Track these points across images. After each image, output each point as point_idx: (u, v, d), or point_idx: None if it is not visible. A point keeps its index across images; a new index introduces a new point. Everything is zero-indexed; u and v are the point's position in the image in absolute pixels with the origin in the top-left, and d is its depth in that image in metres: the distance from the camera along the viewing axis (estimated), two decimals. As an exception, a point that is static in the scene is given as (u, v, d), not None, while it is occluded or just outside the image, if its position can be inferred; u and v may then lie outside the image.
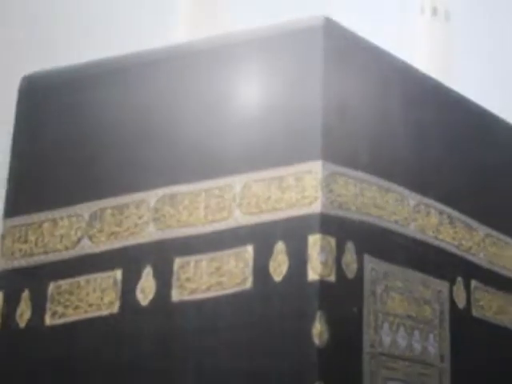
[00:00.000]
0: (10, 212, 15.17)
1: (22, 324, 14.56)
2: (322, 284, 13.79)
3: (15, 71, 16.48)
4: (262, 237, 13.98)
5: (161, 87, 14.98)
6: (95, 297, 14.44)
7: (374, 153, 15.30)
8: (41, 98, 15.63)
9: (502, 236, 18.62)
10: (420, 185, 16.28)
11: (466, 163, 17.68)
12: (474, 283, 17.52)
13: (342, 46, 14.74)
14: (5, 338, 14.68)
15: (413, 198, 16.15)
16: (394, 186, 15.73)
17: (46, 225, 14.93)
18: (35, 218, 14.98)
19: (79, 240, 14.77)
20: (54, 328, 14.40)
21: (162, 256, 14.27)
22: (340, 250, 14.21)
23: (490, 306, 18.03)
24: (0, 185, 15.72)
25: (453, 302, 16.81)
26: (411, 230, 16.05)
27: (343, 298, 14.33)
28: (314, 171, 14.15)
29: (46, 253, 14.83)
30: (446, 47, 60.19)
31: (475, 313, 17.43)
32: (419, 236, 16.18)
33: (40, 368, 14.36)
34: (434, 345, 16.30)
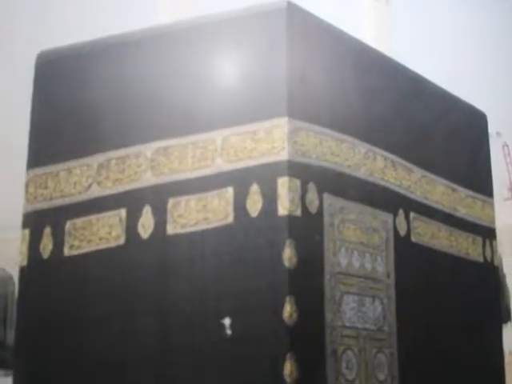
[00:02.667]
0: (31, 164, 15.04)
1: (46, 255, 14.52)
2: (290, 218, 13.80)
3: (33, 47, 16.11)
4: (239, 180, 13.93)
5: (152, 60, 14.81)
6: (104, 232, 14.38)
7: (330, 111, 15.31)
8: (54, 70, 15.40)
9: (434, 176, 18.73)
10: (368, 136, 16.27)
11: (405, 119, 17.69)
12: (412, 215, 17.58)
13: (302, 25, 14.63)
14: (31, 267, 14.65)
15: (363, 147, 16.12)
16: (347, 138, 15.71)
17: (62, 173, 14.79)
18: (53, 168, 14.89)
19: (90, 185, 14.65)
20: (71, 258, 14.39)
21: (158, 197, 14.20)
22: (304, 190, 14.21)
23: (426, 232, 18.14)
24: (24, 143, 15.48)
25: (396, 230, 16.88)
26: (361, 172, 16.03)
27: (308, 229, 14.35)
28: (281, 126, 14.07)
29: (62, 197, 14.74)
30: (388, 25, 60.10)
31: (414, 239, 17.52)
32: (368, 177, 16.18)
33: (60, 291, 14.31)
34: (382, 265, 16.37)
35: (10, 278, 21.91)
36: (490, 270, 21.29)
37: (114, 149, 14.60)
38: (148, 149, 14.49)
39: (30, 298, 14.71)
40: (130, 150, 14.59)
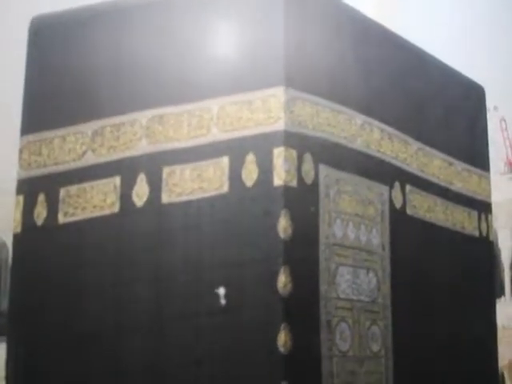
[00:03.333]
0: (25, 130, 14.93)
1: (40, 222, 14.46)
2: (286, 188, 13.78)
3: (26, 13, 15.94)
4: (235, 150, 13.85)
5: (149, 27, 14.68)
6: (99, 199, 14.32)
7: (328, 81, 15.23)
8: (48, 35, 15.27)
9: (430, 150, 18.70)
10: (365, 108, 16.22)
11: (403, 91, 17.65)
12: (408, 187, 17.60)
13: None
14: (25, 234, 14.60)
15: (359, 119, 16.09)
16: (344, 109, 15.66)
17: (56, 140, 14.72)
18: (47, 134, 14.78)
19: (84, 153, 14.58)
20: (65, 225, 14.33)
21: (152, 165, 14.14)
22: (300, 161, 14.19)
23: (421, 205, 18.17)
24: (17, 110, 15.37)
25: (391, 203, 16.89)
26: (358, 144, 16.01)
27: (303, 200, 14.33)
28: (277, 95, 13.97)
29: (56, 164, 14.67)
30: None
31: (409, 211, 17.54)
32: (364, 149, 16.16)
33: (55, 258, 14.29)
34: (377, 237, 16.41)
35: (4, 244, 22.05)
36: (485, 245, 21.35)
37: (109, 116, 14.50)
38: (143, 117, 14.39)
39: (24, 264, 14.66)
40: (126, 118, 14.50)
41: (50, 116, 14.97)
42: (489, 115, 24.70)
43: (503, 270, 31.06)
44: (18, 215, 14.76)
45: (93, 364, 13.97)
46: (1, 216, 21.34)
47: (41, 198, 14.61)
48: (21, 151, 14.96)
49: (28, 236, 14.67)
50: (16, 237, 14.99)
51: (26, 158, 15.00)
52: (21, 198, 14.84)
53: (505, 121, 38.17)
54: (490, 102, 25.01)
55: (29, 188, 14.83)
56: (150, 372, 13.97)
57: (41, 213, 14.65)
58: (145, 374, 14.04)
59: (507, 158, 37.72)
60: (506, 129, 38.77)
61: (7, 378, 14.88)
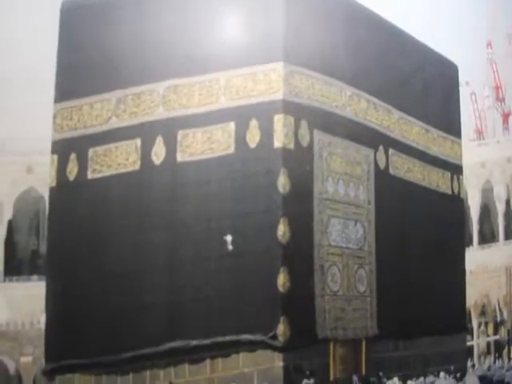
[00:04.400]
0: (58, 98, 14.96)
1: (72, 178, 14.59)
2: (284, 150, 13.87)
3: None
4: (240, 116, 13.90)
5: (167, 9, 14.66)
6: (122, 158, 14.40)
7: (321, 58, 15.26)
8: (78, 14, 15.21)
9: (410, 118, 18.73)
10: (354, 81, 16.23)
11: (386, 67, 17.61)
12: (391, 151, 17.60)
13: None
14: (59, 188, 14.73)
15: (349, 90, 16.07)
16: (335, 81, 15.66)
17: (84, 107, 14.75)
18: (77, 102, 14.82)
19: (109, 118, 14.63)
20: (94, 180, 14.47)
21: (169, 129, 14.20)
22: (297, 126, 14.26)
23: (402, 166, 18.17)
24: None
25: (376, 164, 16.93)
26: (347, 112, 16.01)
27: (299, 160, 14.37)
28: (277, 69, 14.02)
29: (85, 127, 14.72)
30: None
31: (392, 171, 17.58)
32: (353, 117, 16.20)
33: (84, 208, 14.36)
34: (363, 193, 16.43)
35: (41, 197, 22.39)
36: (457, 201, 21.40)
37: (131, 86, 14.53)
38: (160, 87, 14.45)
39: (59, 214, 14.83)
40: (145, 88, 14.55)
41: (80, 86, 14.98)
42: (461, 90, 24.59)
43: (472, 224, 31.16)
44: (53, 172, 14.93)
45: (118, 300, 14.09)
46: (38, 172, 21.52)
47: (72, 157, 14.74)
48: (54, 116, 15.03)
49: (62, 190, 14.85)
50: (51, 190, 15.25)
51: (59, 122, 15.08)
52: (55, 157, 14.97)
53: (475, 94, 38.08)
54: (462, 78, 24.92)
55: (62, 148, 14.96)
56: (167, 307, 14.11)
57: (72, 170, 14.80)
58: (162, 308, 14.17)
59: (476, 127, 37.67)
60: (476, 101, 38.69)
61: (47, 311, 15.04)
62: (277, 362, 14.01)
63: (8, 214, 25.04)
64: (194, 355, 13.89)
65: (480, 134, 36.28)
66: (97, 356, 13.97)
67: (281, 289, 13.89)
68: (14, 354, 20.62)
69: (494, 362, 24.93)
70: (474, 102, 37.28)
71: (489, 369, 19.63)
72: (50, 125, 14.91)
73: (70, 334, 14.16)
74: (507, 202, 32.07)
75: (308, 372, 14.39)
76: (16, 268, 25.41)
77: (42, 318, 15.29)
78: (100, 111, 14.69)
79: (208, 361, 13.99)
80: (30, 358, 19.52)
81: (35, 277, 23.60)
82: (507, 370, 18.84)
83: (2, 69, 30.01)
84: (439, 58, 20.70)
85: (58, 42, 15.36)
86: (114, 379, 14.09)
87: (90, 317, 14.06)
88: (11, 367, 21.71)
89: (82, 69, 14.86)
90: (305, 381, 14.38)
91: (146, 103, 14.50)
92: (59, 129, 14.94)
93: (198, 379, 13.89)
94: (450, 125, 21.27)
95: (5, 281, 24.35)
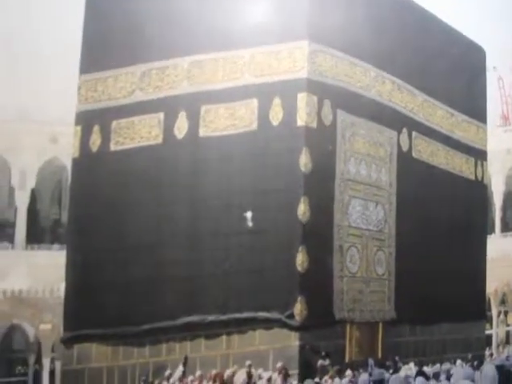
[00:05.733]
0: (83, 70, 15.12)
1: (95, 149, 14.78)
2: (307, 129, 13.96)
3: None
4: (264, 93, 13.99)
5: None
6: (145, 131, 14.57)
7: (346, 38, 15.28)
8: None
9: (435, 101, 18.69)
10: (379, 62, 16.25)
11: (411, 49, 17.59)
12: (414, 133, 17.62)
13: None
14: (82, 158, 14.93)
15: (373, 71, 16.08)
16: (360, 62, 15.68)
17: (109, 79, 14.91)
18: (102, 74, 14.98)
19: (133, 91, 14.78)
20: (116, 152, 14.65)
21: (192, 104, 14.33)
22: (320, 105, 14.32)
23: (425, 150, 18.16)
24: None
25: (399, 146, 16.95)
26: (372, 93, 16.02)
27: (322, 140, 14.45)
28: (302, 47, 14.11)
29: (109, 99, 14.88)
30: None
31: (414, 155, 17.59)
32: (377, 98, 16.22)
33: (107, 180, 14.58)
34: (385, 175, 16.47)
35: (64, 167, 22.61)
36: (480, 188, 21.35)
37: (156, 60, 14.65)
38: (185, 61, 14.56)
39: (81, 184, 15.02)
40: (169, 62, 14.67)
41: (105, 58, 15.11)
42: (488, 74, 24.47)
43: (495, 211, 30.89)
44: (77, 143, 15.09)
45: (136, 271, 14.31)
46: (62, 143, 21.70)
47: (96, 128, 14.90)
48: (79, 88, 15.19)
49: (84, 161, 15.01)
50: (74, 161, 15.42)
51: (84, 93, 15.21)
52: (79, 128, 15.11)
53: (502, 80, 37.64)
54: (489, 63, 24.74)
55: (86, 119, 15.09)
56: (184, 281, 14.28)
57: (96, 141, 14.96)
58: (180, 282, 14.33)
59: (502, 112, 37.34)
60: (503, 87, 38.30)
61: (67, 280, 15.22)
62: (293, 341, 14.17)
63: (31, 183, 25.24)
64: (211, 330, 14.11)
65: (506, 120, 35.89)
66: (114, 327, 14.24)
67: (299, 268, 14.02)
68: (34, 321, 20.96)
69: (513, 352, 24.89)
70: (501, 88, 36.85)
71: (507, 358, 19.57)
72: (75, 96, 15.10)
73: (88, 303, 14.40)
74: (532, 190, 31.91)
75: (324, 353, 14.54)
76: (38, 236, 25.70)
77: (62, 287, 15.53)
78: (124, 84, 14.82)
79: (224, 337, 14.21)
80: (49, 326, 19.81)
81: (56, 246, 23.86)
82: (525, 360, 18.89)
83: (30, 39, 30.18)
84: (466, 42, 20.57)
85: (84, 12, 15.45)
86: (131, 350, 14.35)
87: (109, 288, 14.28)
88: (31, 334, 22.13)
89: (107, 41, 14.99)
90: (320, 361, 14.55)
91: (171, 77, 14.62)
92: (83, 100, 15.07)
93: (213, 355, 14.10)
94: (476, 110, 21.17)
95: (27, 248, 24.70)
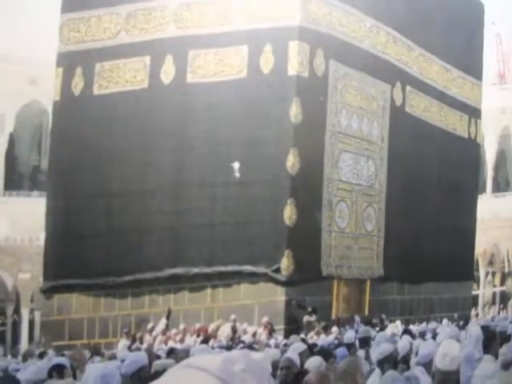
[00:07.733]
0: (65, 8, 14.68)
1: (77, 92, 14.42)
2: (299, 78, 13.69)
3: None
4: (254, 39, 13.63)
5: None
6: (130, 75, 14.20)
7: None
8: None
9: (431, 56, 18.35)
10: (374, 12, 15.95)
11: (408, 0, 17.24)
12: (408, 88, 17.32)
13: None
14: (64, 103, 14.55)
15: (368, 22, 15.72)
16: (355, 11, 15.31)
17: (93, 19, 14.50)
18: (85, 14, 14.57)
19: (118, 32, 14.38)
20: (100, 96, 14.31)
21: (179, 48, 13.99)
22: (312, 54, 14.00)
23: (419, 105, 17.90)
24: None
25: (392, 100, 16.69)
26: (365, 44, 15.68)
27: (313, 90, 14.17)
28: (295, -7, 13.56)
29: (93, 40, 14.49)
30: None
31: (408, 109, 17.33)
32: (371, 50, 15.88)
33: (89, 125, 14.20)
34: (377, 129, 16.21)
35: (45, 110, 21.72)
36: (473, 146, 21.19)
37: (142, 0, 14.26)
38: (173, 3, 14.18)
39: (62, 129, 14.65)
40: (156, 3, 14.30)
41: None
42: (486, 30, 24.12)
43: (487, 170, 30.66)
44: (58, 85, 14.71)
45: (119, 220, 14.12)
46: (42, 85, 20.82)
47: (78, 71, 14.52)
48: (61, 27, 14.74)
49: (66, 104, 14.63)
50: (55, 104, 15.07)
51: (66, 34, 14.80)
52: (60, 70, 14.71)
53: (500, 36, 36.90)
54: (488, 18, 24.30)
55: (67, 61, 14.68)
56: (169, 231, 14.16)
57: (78, 84, 14.60)
58: (164, 232, 14.25)
59: (499, 70, 36.64)
60: (501, 43, 37.53)
61: (47, 228, 15.05)
62: (279, 295, 14.05)
63: (10, 127, 24.41)
64: (195, 283, 13.98)
65: (502, 78, 35.54)
66: (96, 277, 14.05)
67: (287, 221, 13.82)
68: (13, 270, 20.67)
69: (498, 313, 25.04)
70: (498, 44, 36.39)
71: (492, 319, 19.62)
72: (56, 36, 14.63)
73: (69, 253, 14.19)
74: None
75: (310, 308, 14.45)
76: (16, 182, 25.08)
77: (42, 236, 15.26)
78: (109, 24, 14.44)
79: (208, 290, 14.07)
80: (28, 275, 19.55)
81: (36, 192, 23.29)
82: (511, 322, 18.83)
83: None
84: (465, -5, 20.24)
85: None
86: (113, 302, 14.18)
87: (91, 237, 14.08)
88: (9, 283, 21.85)
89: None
90: (306, 317, 14.46)
91: (157, 19, 14.25)
92: (65, 40, 14.66)
93: (197, 308, 13.97)
94: (472, 66, 20.89)
95: (4, 195, 24.11)
